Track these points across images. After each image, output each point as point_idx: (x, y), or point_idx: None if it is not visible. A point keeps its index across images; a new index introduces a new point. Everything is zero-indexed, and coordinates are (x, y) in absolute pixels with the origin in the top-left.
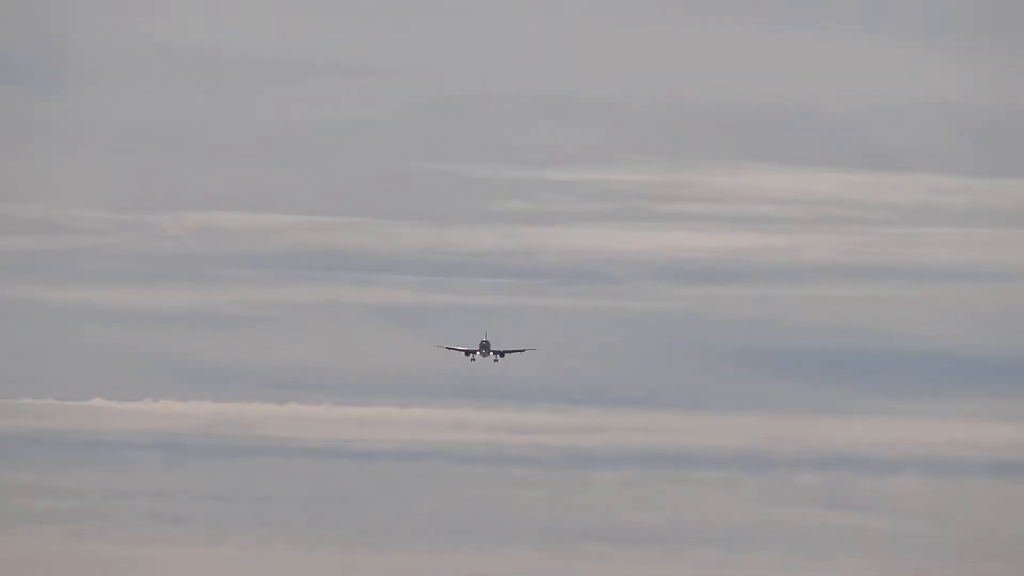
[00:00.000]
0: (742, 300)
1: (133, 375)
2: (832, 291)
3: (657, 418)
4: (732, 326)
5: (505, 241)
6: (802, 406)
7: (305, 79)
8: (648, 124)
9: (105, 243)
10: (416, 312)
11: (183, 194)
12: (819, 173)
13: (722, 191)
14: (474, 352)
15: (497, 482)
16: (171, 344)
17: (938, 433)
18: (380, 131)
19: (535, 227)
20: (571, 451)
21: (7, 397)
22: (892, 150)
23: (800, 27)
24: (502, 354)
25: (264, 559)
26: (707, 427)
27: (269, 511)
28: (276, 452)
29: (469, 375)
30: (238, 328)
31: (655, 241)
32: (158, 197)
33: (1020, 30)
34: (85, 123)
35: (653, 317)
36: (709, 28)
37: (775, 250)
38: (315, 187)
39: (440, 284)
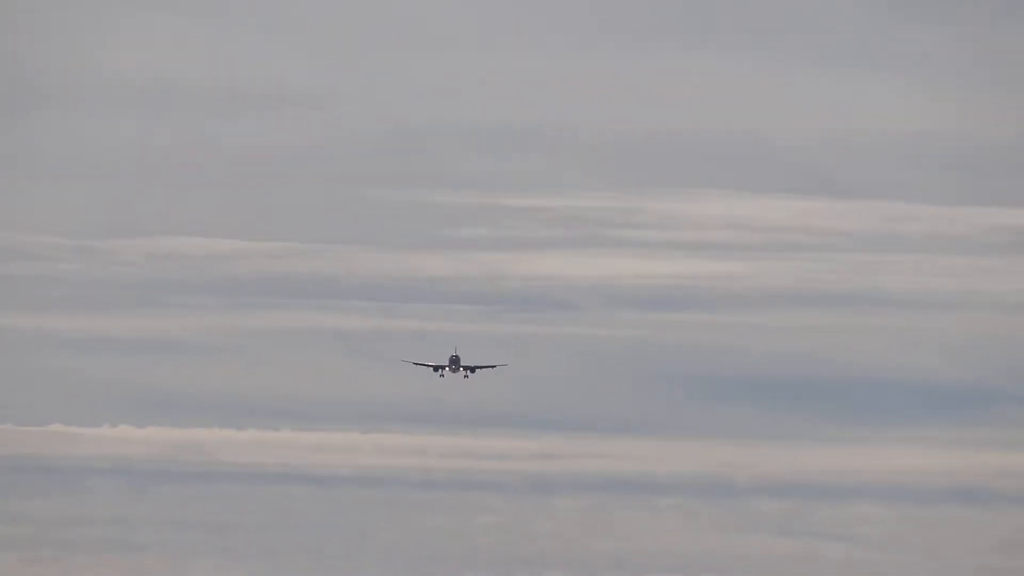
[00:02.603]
0: (700, 327)
1: (92, 401)
2: (790, 318)
3: (616, 444)
4: (690, 353)
5: (464, 267)
6: (761, 433)
7: (265, 107)
8: (607, 152)
9: (64, 269)
10: (376, 337)
11: (141, 221)
12: (777, 200)
13: (681, 218)
14: (443, 368)
15: (457, 507)
16: (130, 370)
17: (896, 460)
18: (340, 159)
19: (494, 253)
20: (531, 477)
21: None
22: (850, 178)
23: (757, 57)
24: (473, 369)
25: None
26: (666, 453)
27: (229, 537)
28: (236, 478)
29: (429, 401)
30: (197, 354)
31: (614, 268)
32: (116, 224)
33: (976, 61)
34: (43, 151)
35: (612, 343)
36: (667, 58)
37: (733, 277)
38: (275, 214)
39: (399, 310)
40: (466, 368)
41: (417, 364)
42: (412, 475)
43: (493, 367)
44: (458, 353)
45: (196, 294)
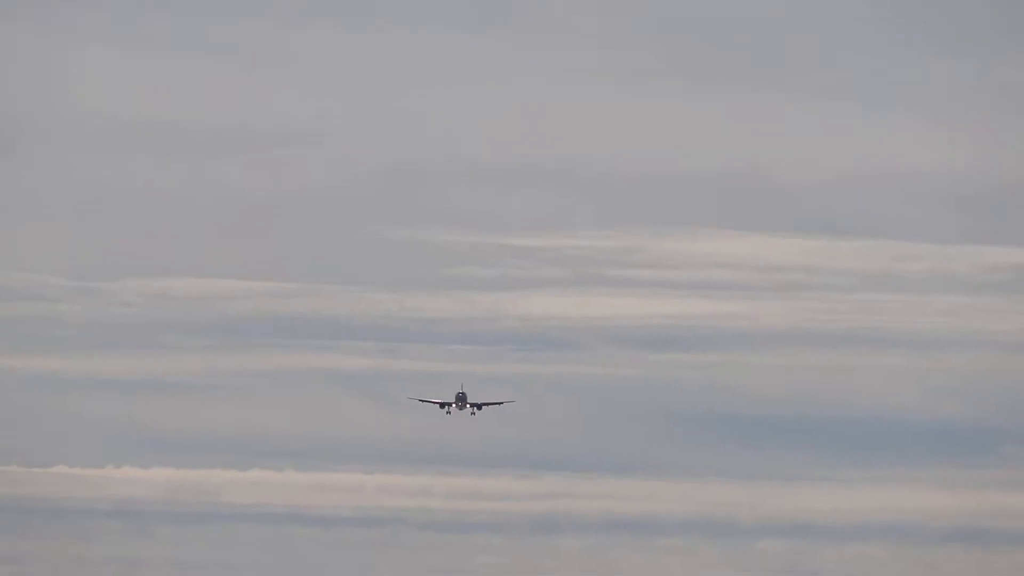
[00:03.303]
0: (701, 366)
1: (96, 442)
2: (791, 357)
3: (618, 484)
4: (691, 392)
5: (464, 307)
6: (762, 473)
7: (264, 147)
8: (607, 191)
9: (64, 311)
10: (377, 377)
11: (141, 261)
12: (778, 239)
13: (681, 258)
14: (449, 405)
15: (460, 548)
16: (133, 411)
17: (898, 500)
18: (339, 198)
19: (494, 293)
20: (533, 517)
21: None
22: (850, 217)
23: (757, 96)
24: (479, 406)
25: None
26: (667, 493)
27: None
28: (239, 518)
29: (431, 441)
30: (199, 395)
31: (614, 307)
32: (116, 264)
33: (977, 99)
34: (42, 191)
35: (612, 383)
36: (666, 97)
37: (734, 316)
38: (274, 254)
39: (400, 350)
40: (473, 405)
41: (423, 401)
42: (415, 515)
43: (500, 403)
44: (464, 390)
45: (197, 335)
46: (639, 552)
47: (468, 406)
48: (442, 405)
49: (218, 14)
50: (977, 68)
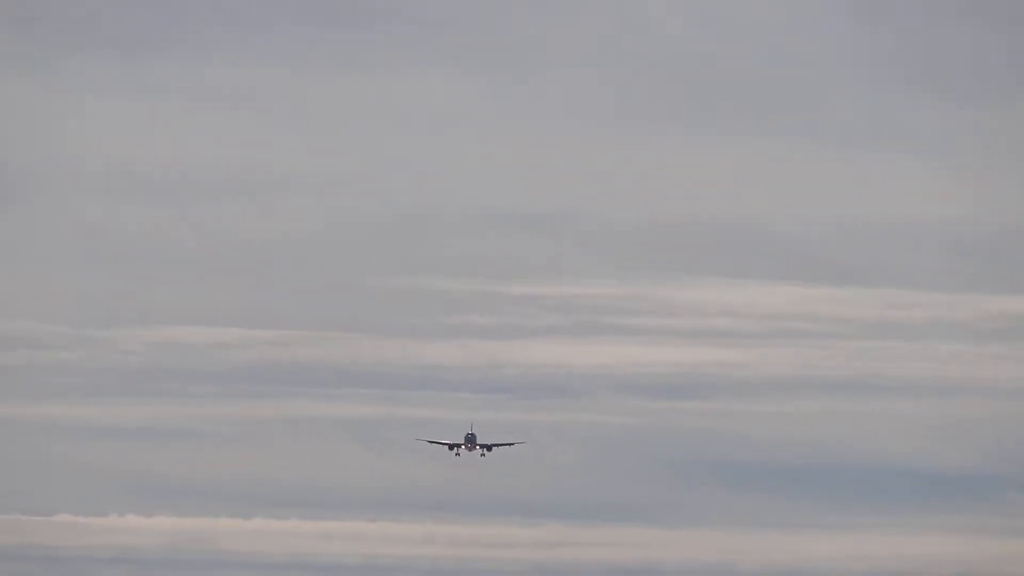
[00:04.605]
0: (703, 414)
1: (99, 490)
2: (792, 405)
3: (621, 532)
4: (693, 440)
5: (467, 355)
6: (765, 520)
7: (266, 194)
8: (608, 239)
9: (66, 358)
10: (380, 425)
11: (143, 309)
12: (778, 287)
13: (682, 306)
14: (459, 446)
15: None
16: (136, 459)
17: (899, 547)
18: (341, 245)
19: (496, 341)
20: (537, 565)
21: None
22: (850, 264)
23: (757, 144)
24: (489, 447)
25: None
26: (670, 541)
27: None
28: (242, 567)
29: (436, 489)
30: (202, 443)
31: (616, 355)
32: (118, 313)
33: (978, 146)
34: (44, 240)
35: (614, 431)
36: (667, 146)
37: (735, 364)
38: (276, 301)
39: (402, 397)
40: (482, 446)
41: (432, 443)
42: (419, 563)
43: (511, 444)
44: (474, 431)
45: (199, 383)
46: None
47: (478, 447)
48: (451, 447)
49: (220, 62)
50: (977, 116)
